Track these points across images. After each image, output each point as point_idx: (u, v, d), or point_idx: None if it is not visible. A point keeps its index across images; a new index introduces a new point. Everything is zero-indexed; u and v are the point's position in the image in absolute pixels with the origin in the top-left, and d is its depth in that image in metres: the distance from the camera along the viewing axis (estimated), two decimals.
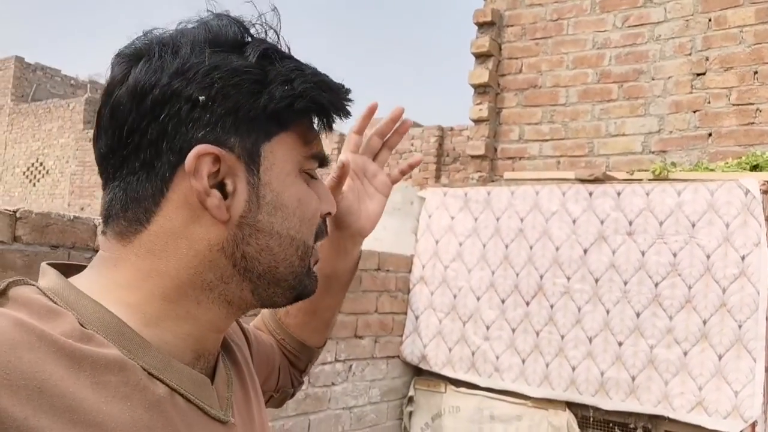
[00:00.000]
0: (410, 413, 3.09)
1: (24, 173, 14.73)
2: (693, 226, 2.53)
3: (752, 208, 2.43)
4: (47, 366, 0.49)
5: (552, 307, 2.78)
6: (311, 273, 0.67)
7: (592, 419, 2.69)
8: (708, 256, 2.48)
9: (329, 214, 0.70)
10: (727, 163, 2.91)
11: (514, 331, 2.87)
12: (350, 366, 2.82)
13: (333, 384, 2.73)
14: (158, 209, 0.59)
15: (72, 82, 18.15)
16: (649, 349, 2.52)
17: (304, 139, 0.64)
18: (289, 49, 0.65)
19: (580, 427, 2.71)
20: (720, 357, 2.39)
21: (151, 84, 0.57)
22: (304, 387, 2.56)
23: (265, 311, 0.97)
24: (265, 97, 0.59)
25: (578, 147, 3.64)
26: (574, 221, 2.80)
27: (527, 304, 2.85)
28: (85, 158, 13.72)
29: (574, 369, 2.68)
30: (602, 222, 2.73)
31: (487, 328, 2.93)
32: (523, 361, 2.82)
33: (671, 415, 2.43)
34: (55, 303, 0.55)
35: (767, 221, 2.44)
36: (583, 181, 2.87)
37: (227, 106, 0.58)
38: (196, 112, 0.58)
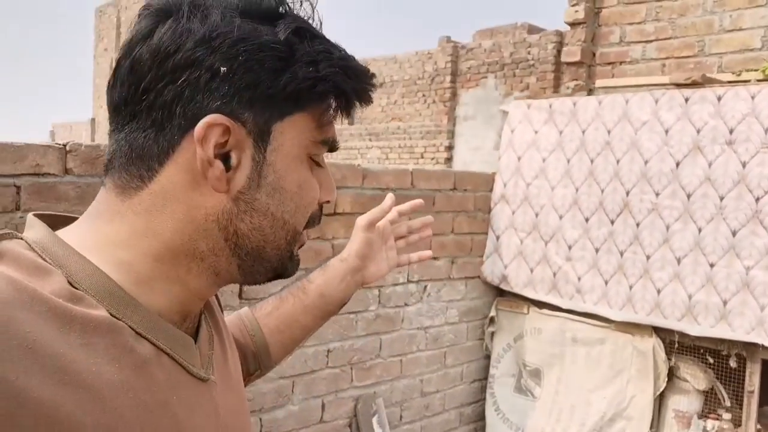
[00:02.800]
0: (492, 333, 3.04)
1: None
2: None
3: None
4: (39, 326, 0.48)
5: (638, 225, 2.57)
6: (294, 257, 0.66)
7: (677, 345, 2.50)
8: None
9: (327, 202, 0.68)
10: None
11: (597, 251, 2.69)
12: (425, 287, 2.79)
13: (406, 305, 2.72)
14: (161, 170, 0.58)
15: None
16: (744, 271, 2.28)
17: (318, 122, 0.62)
18: (321, 25, 0.63)
19: (666, 353, 2.53)
20: None
21: (174, 47, 0.56)
22: (374, 308, 2.58)
23: (244, 309, 1.00)
24: (287, 76, 0.58)
25: (686, 47, 3.25)
26: (666, 131, 2.53)
27: (612, 222, 2.65)
28: None
29: (659, 292, 2.48)
30: (698, 131, 2.45)
31: (570, 247, 2.78)
32: (606, 283, 2.65)
33: (766, 342, 2.21)
34: (43, 259, 0.55)
35: None
36: (678, 85, 2.57)
37: (247, 80, 0.57)
38: (215, 82, 0.56)
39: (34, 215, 0.60)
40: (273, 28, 0.59)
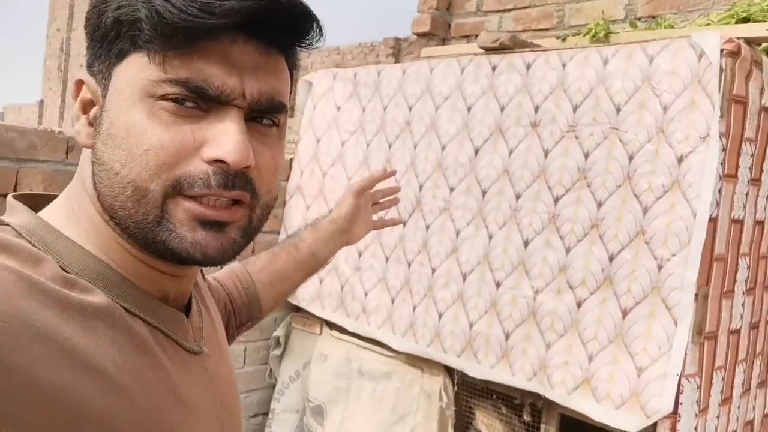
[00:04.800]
0: (278, 357, 2.45)
1: None
2: (618, 111, 1.63)
3: (705, 81, 1.50)
4: (41, 313, 0.47)
5: (427, 228, 1.99)
6: (172, 226, 0.54)
7: (470, 387, 1.92)
8: (631, 157, 1.59)
9: (219, 161, 0.53)
10: (709, 17, 1.91)
11: (387, 259, 2.11)
12: None
13: None
14: None
15: None
16: (532, 295, 1.70)
17: (158, 60, 0.52)
18: None
19: (461, 398, 1.95)
20: (625, 312, 1.53)
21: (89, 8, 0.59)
22: None
23: (235, 264, 1.01)
24: (107, 14, 0.54)
25: (545, 17, 2.68)
26: (469, 109, 1.95)
27: (404, 224, 2.07)
28: None
29: (440, 316, 1.90)
30: (503, 108, 1.87)
31: (360, 254, 2.19)
32: (393, 301, 2.07)
33: (547, 394, 1.63)
34: (33, 245, 0.53)
35: (731, 101, 1.51)
36: (487, 50, 1.99)
37: (91, 31, 0.57)
38: (89, 42, 0.58)
39: (14, 197, 0.58)
40: None
